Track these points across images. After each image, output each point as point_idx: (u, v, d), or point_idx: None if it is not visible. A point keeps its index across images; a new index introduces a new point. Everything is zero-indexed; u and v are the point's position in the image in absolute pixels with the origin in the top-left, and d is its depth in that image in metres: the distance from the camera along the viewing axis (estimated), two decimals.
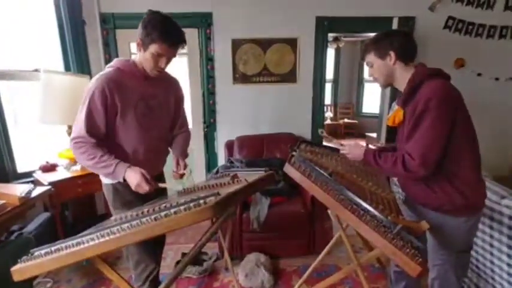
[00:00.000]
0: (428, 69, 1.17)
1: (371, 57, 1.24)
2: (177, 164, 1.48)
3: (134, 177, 1.21)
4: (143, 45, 1.24)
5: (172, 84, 1.51)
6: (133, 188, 1.23)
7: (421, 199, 1.25)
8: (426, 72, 1.15)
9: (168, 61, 1.30)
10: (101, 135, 1.28)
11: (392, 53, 1.17)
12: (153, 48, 1.22)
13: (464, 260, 1.26)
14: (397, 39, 1.18)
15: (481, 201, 1.21)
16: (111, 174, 1.24)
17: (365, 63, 1.29)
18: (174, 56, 1.30)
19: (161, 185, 1.28)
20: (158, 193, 1.45)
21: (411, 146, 1.10)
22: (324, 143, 1.71)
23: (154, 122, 1.41)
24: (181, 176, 1.48)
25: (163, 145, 1.55)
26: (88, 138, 1.23)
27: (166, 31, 1.21)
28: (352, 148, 1.31)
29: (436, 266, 1.26)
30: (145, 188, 1.21)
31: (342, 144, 1.38)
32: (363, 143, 1.62)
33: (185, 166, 1.48)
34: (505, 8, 2.79)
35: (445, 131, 1.07)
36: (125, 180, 1.23)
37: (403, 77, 1.20)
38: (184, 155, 1.54)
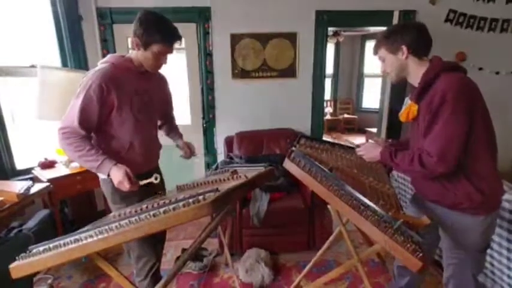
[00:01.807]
0: (444, 62, 1.14)
1: (382, 52, 1.20)
2: (188, 147, 1.68)
3: (118, 175, 1.22)
4: (143, 45, 1.28)
5: (162, 81, 1.57)
6: (115, 185, 1.24)
7: (435, 196, 1.21)
8: (442, 66, 1.11)
9: (167, 58, 1.36)
10: (92, 129, 1.29)
11: (404, 48, 1.14)
12: (156, 48, 1.27)
13: (481, 259, 1.24)
14: (409, 33, 1.14)
15: (499, 198, 1.17)
16: (95, 169, 1.25)
17: (377, 58, 1.25)
18: (172, 52, 1.36)
19: (142, 182, 1.28)
20: (157, 188, 1.45)
21: (429, 143, 1.07)
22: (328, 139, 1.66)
23: (149, 117, 1.44)
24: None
25: (157, 139, 1.60)
26: (78, 130, 1.24)
27: (167, 32, 1.27)
28: (368, 148, 1.28)
29: (451, 265, 1.24)
30: (126, 186, 1.22)
31: (357, 146, 1.35)
32: (362, 139, 1.59)
33: (193, 147, 1.70)
34: (507, 0, 2.76)
35: (464, 126, 1.03)
36: (108, 175, 1.25)
37: (416, 71, 1.16)
38: (181, 136, 1.73)
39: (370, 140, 1.52)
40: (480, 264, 1.25)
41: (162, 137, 1.66)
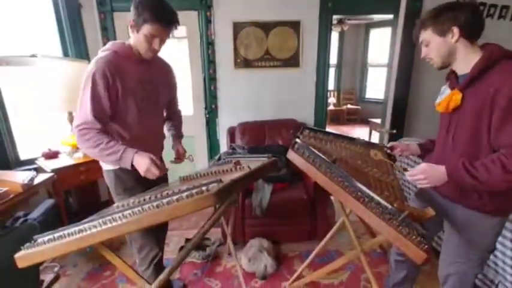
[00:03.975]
0: (506, 49, 1.03)
1: (428, 34, 1.07)
2: (178, 151, 1.58)
3: (143, 162, 1.18)
4: (136, 27, 1.21)
5: (166, 70, 1.51)
6: (142, 173, 1.20)
7: (457, 197, 1.15)
8: (503, 53, 1.01)
9: (162, 42, 1.27)
10: (107, 118, 1.27)
11: (455, 29, 1.02)
12: (146, 29, 1.19)
13: (486, 258, 1.23)
14: (463, 12, 1.01)
15: None
16: (118, 161, 1.21)
17: (420, 42, 1.13)
18: (168, 37, 1.27)
19: (172, 164, 1.30)
20: (160, 179, 1.45)
21: None
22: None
23: (152, 107, 1.40)
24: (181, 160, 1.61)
25: (161, 129, 1.57)
26: (94, 123, 1.21)
27: (157, 11, 1.17)
28: (429, 171, 1.07)
29: (457, 263, 1.20)
30: (155, 172, 1.18)
31: (405, 169, 1.17)
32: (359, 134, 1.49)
33: (185, 151, 1.61)
34: None
35: None
36: (132, 166, 1.21)
37: (466, 57, 1.05)
38: (180, 136, 1.66)
39: (374, 132, 1.48)
40: (484, 263, 1.23)
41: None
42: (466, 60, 1.06)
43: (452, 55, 1.07)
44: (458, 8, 1.02)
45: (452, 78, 1.14)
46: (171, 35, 1.30)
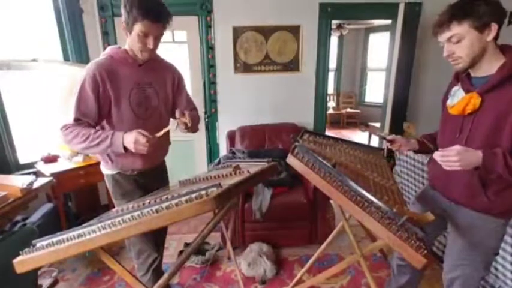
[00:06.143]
0: None
1: (463, 28, 0.94)
2: (182, 114, 1.31)
3: (131, 137, 1.15)
4: (127, 28, 1.20)
5: (168, 71, 1.44)
6: (133, 150, 1.17)
7: (464, 199, 1.14)
8: None
9: (156, 40, 1.23)
10: (91, 121, 1.26)
11: (493, 26, 0.93)
12: (137, 27, 1.17)
13: (491, 261, 1.22)
14: (498, 7, 0.92)
15: None
16: (109, 147, 1.19)
17: (446, 38, 1.00)
18: (161, 33, 1.24)
19: (159, 134, 1.22)
20: (160, 184, 1.44)
21: None
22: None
23: (151, 111, 1.36)
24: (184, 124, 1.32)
25: (162, 136, 1.50)
26: (79, 121, 1.22)
27: (144, 6, 1.14)
28: (464, 154, 0.96)
29: (461, 266, 1.19)
30: (143, 141, 1.14)
31: (435, 149, 1.06)
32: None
33: (190, 120, 1.30)
34: None
35: None
36: (125, 148, 1.18)
37: (490, 58, 0.98)
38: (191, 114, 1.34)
39: (373, 135, 1.48)
40: (489, 265, 1.22)
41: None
42: (490, 62, 0.99)
43: (482, 55, 0.98)
44: (494, 2, 0.94)
45: (464, 79, 1.09)
46: (172, 37, 1.27)
